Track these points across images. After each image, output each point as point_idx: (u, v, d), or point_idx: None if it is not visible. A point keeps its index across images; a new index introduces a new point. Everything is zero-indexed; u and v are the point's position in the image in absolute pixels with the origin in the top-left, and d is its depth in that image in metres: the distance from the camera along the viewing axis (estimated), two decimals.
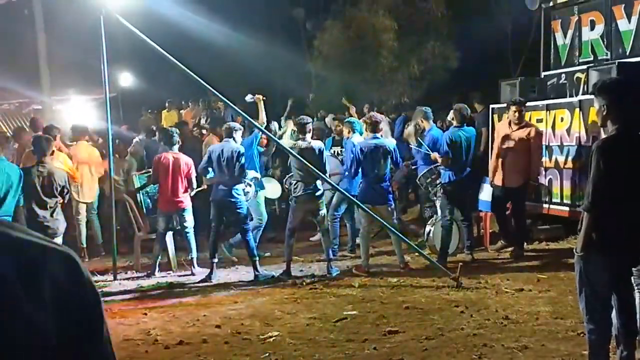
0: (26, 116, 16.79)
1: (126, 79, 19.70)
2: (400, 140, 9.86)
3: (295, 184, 8.18)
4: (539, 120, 9.37)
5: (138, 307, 7.00)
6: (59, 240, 7.11)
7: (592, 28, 10.00)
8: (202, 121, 15.69)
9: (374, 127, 8.25)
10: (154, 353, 5.51)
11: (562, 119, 8.97)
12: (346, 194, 8.34)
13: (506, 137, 8.50)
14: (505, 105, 10.07)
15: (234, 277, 8.32)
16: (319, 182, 8.13)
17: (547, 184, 9.19)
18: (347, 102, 13.93)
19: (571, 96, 9.77)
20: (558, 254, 8.56)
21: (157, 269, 8.53)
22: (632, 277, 4.28)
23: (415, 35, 17.67)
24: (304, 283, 7.70)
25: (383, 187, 8.26)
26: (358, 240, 9.41)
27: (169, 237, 8.78)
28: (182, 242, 8.85)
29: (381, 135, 8.41)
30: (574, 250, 4.18)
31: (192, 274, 8.42)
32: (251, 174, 8.72)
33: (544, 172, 9.23)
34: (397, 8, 17.69)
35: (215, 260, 8.22)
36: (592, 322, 4.13)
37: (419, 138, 9.01)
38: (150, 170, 9.04)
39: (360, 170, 8.19)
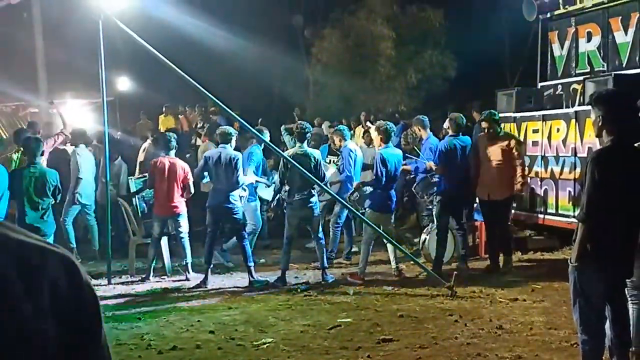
0: (23, 119, 16.77)
1: (124, 83, 19.70)
2: (400, 149, 9.88)
3: (289, 191, 8.20)
4: (535, 131, 9.40)
5: (132, 311, 6.98)
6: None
7: (589, 40, 10.04)
8: (199, 126, 15.69)
9: (388, 136, 8.28)
10: (147, 358, 5.50)
11: (558, 130, 9.01)
12: (343, 202, 8.35)
13: (486, 151, 8.32)
14: (502, 115, 10.11)
15: (229, 283, 8.30)
16: (314, 190, 8.14)
17: (542, 195, 9.21)
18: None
19: (567, 107, 9.80)
20: (553, 264, 8.57)
21: (151, 273, 8.51)
22: (625, 289, 4.30)
23: (413, 44, 17.76)
24: (299, 290, 7.69)
25: (393, 195, 8.31)
26: (355, 248, 9.44)
27: (164, 241, 8.77)
28: (177, 247, 8.84)
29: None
30: (569, 260, 4.18)
31: (187, 279, 8.40)
32: (251, 179, 8.74)
33: (539, 183, 9.25)
34: (395, 17, 17.79)
35: (211, 266, 8.21)
36: (586, 333, 4.13)
37: (415, 147, 9.03)
38: (146, 174, 9.03)
39: (382, 178, 8.17)
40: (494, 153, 8.26)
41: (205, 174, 8.31)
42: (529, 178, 9.10)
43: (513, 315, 6.37)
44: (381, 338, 5.77)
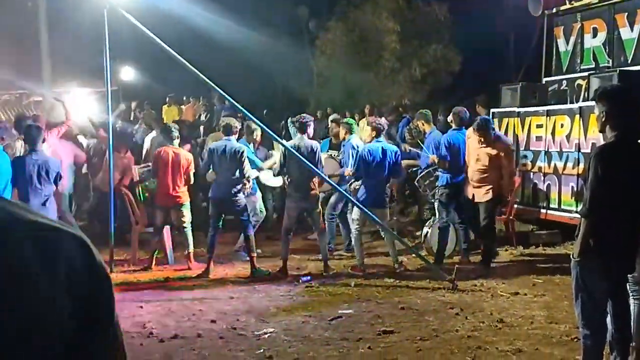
0: (26, 107, 16.79)
1: (127, 73, 19.69)
2: (403, 142, 9.88)
3: (289, 183, 8.21)
4: (539, 126, 9.40)
5: (134, 300, 7.00)
6: None
7: (595, 35, 10.03)
8: (202, 117, 15.73)
9: (378, 132, 8.30)
10: (149, 346, 5.52)
11: (562, 125, 9.01)
12: (346, 194, 8.36)
13: (475, 153, 8.20)
14: (506, 110, 10.12)
15: (231, 272, 8.32)
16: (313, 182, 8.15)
17: (545, 190, 9.22)
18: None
19: (572, 103, 9.80)
20: (554, 259, 8.58)
21: (153, 262, 8.54)
22: (627, 284, 4.30)
23: (417, 38, 17.72)
24: (300, 281, 7.71)
25: (384, 190, 8.30)
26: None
27: (166, 231, 8.79)
28: (179, 237, 8.86)
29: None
30: (571, 255, 4.19)
31: (189, 269, 8.43)
32: (254, 173, 8.75)
33: (542, 178, 9.26)
34: (400, 11, 17.74)
35: (212, 256, 8.23)
36: (588, 328, 4.14)
37: (419, 141, 9.02)
38: (150, 164, 9.04)
39: (364, 172, 8.19)
40: (482, 157, 8.06)
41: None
42: (531, 174, 9.09)
43: (514, 309, 6.39)
44: (382, 330, 5.79)
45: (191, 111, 17.12)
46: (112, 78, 8.72)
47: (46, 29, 16.44)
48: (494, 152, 8.01)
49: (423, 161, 9.29)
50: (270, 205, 10.64)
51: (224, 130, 8.33)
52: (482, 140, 8.01)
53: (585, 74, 9.51)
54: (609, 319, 4.15)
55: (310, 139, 8.32)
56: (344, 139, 9.20)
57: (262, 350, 5.34)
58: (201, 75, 7.62)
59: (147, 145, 11.43)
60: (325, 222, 9.24)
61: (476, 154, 8.14)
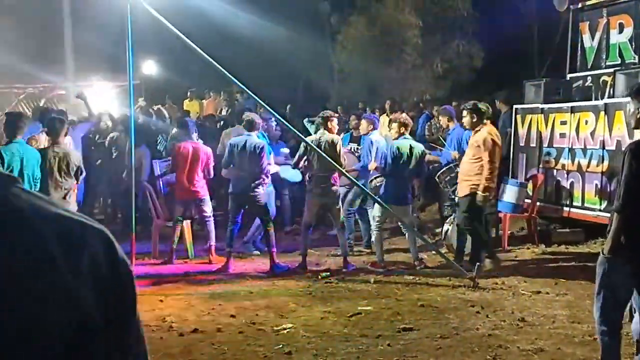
0: (50, 100, 16.96)
1: (149, 67, 19.78)
2: (423, 138, 9.82)
3: (310, 178, 8.20)
4: (563, 123, 9.28)
5: (154, 293, 7.04)
6: None
7: (621, 31, 9.87)
8: (223, 112, 15.73)
9: (406, 128, 8.32)
10: (169, 340, 5.54)
11: (586, 122, 8.88)
12: (365, 189, 8.32)
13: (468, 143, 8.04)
14: (530, 106, 10.00)
15: (250, 267, 8.34)
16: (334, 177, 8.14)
17: (568, 187, 9.11)
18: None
19: (597, 99, 9.66)
20: (577, 257, 8.48)
21: (174, 256, 8.57)
22: None
23: (440, 33, 17.57)
24: (320, 277, 7.70)
25: (407, 187, 8.27)
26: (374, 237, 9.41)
27: (187, 225, 8.82)
28: (200, 231, 8.89)
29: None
30: (601, 251, 4.17)
31: (210, 262, 8.45)
32: (273, 168, 8.76)
33: (565, 175, 9.13)
34: (423, 5, 17.60)
35: (232, 250, 8.24)
36: (605, 324, 4.13)
37: (440, 137, 8.95)
38: (170, 158, 9.08)
39: (389, 169, 8.16)
40: (470, 147, 7.87)
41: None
42: (554, 171, 8.94)
43: (535, 308, 6.32)
44: (401, 327, 5.76)
45: (212, 105, 17.14)
46: (134, 72, 8.75)
47: (70, 23, 16.60)
48: (475, 140, 7.75)
49: (444, 157, 9.23)
50: (288, 200, 10.62)
51: (247, 125, 8.32)
52: (468, 122, 7.88)
53: (611, 70, 9.36)
54: (636, 319, 4.11)
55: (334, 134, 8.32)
56: (366, 133, 9.15)
57: (280, 346, 5.33)
58: (224, 71, 7.58)
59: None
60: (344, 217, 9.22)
61: (468, 145, 8.00)
